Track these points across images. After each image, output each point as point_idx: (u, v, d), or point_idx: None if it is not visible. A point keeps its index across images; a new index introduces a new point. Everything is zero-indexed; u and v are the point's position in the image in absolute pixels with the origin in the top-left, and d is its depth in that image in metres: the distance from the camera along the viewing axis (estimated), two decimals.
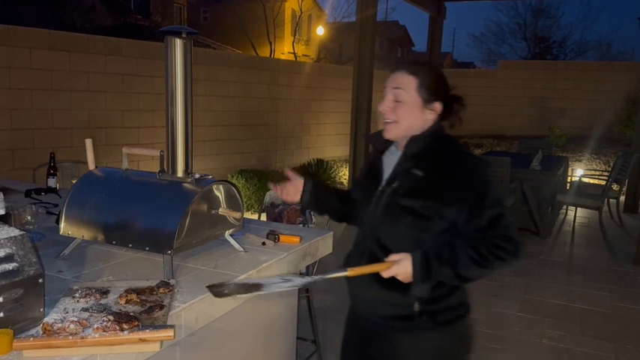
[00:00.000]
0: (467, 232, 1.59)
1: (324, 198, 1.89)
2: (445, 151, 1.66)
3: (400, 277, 1.57)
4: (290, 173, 1.86)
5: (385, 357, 1.75)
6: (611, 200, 6.88)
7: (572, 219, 6.71)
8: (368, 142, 1.93)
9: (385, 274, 1.57)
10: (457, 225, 1.60)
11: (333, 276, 1.56)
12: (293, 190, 1.85)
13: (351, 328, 1.91)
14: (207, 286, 1.51)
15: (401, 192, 1.64)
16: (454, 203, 1.58)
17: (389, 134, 1.70)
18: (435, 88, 1.65)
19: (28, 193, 2.75)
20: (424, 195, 1.61)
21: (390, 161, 1.75)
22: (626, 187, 7.40)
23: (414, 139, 1.67)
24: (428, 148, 1.66)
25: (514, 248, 1.57)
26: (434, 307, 1.66)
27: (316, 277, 1.57)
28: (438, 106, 1.65)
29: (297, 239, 2.08)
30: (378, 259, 1.63)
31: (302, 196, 1.84)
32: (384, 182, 1.72)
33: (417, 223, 1.62)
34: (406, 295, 1.63)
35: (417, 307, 1.64)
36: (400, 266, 1.55)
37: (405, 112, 1.64)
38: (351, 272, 1.57)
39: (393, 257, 1.58)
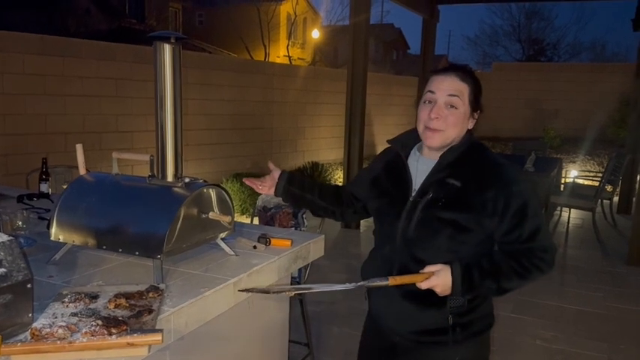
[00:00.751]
0: (507, 243, 1.58)
1: (299, 192, 1.90)
2: (481, 159, 1.62)
3: (438, 289, 1.53)
4: (271, 165, 1.90)
5: None
6: (604, 201, 6.92)
7: (566, 220, 6.73)
8: (394, 148, 1.84)
9: (424, 285, 1.53)
10: (493, 235, 1.59)
11: (375, 284, 1.54)
12: (270, 182, 1.90)
13: (373, 342, 1.85)
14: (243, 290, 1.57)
15: (439, 204, 1.58)
16: (496, 214, 1.54)
17: (434, 142, 1.61)
18: (479, 98, 1.63)
19: (20, 199, 2.75)
20: (465, 206, 1.56)
21: (417, 170, 1.67)
22: (619, 188, 7.44)
23: (450, 149, 1.61)
24: (463, 157, 1.60)
25: (552, 259, 1.58)
26: (467, 319, 1.63)
27: (358, 284, 1.55)
28: (477, 115, 1.64)
29: (289, 242, 2.09)
30: (410, 270, 1.59)
31: (276, 189, 1.89)
32: (414, 192, 1.64)
33: (456, 235, 1.57)
34: (440, 309, 1.60)
35: (450, 320, 1.61)
36: (439, 277, 1.52)
37: (456, 121, 1.58)
38: (392, 281, 1.53)
39: (431, 268, 1.54)
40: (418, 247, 1.62)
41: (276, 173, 1.90)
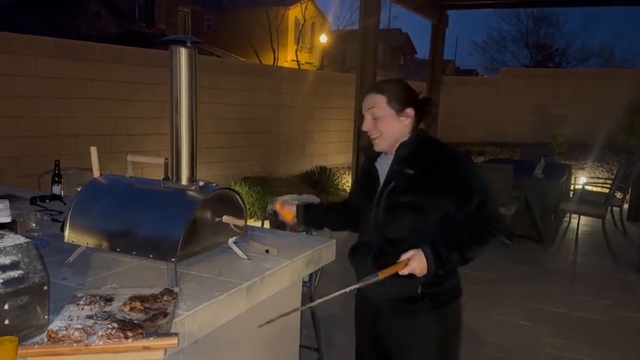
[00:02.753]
0: (459, 218, 1.84)
1: (319, 218, 2.24)
2: (431, 150, 1.94)
3: (417, 271, 1.78)
4: (278, 207, 2.25)
5: (393, 334, 2.02)
6: (614, 208, 6.88)
7: (576, 227, 6.69)
8: (362, 154, 2.36)
9: (405, 271, 1.78)
10: (450, 213, 1.85)
11: (369, 282, 1.77)
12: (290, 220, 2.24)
13: (361, 310, 2.18)
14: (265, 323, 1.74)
15: (398, 190, 1.89)
16: (446, 194, 1.83)
17: (379, 147, 1.97)
18: (402, 98, 1.91)
19: (33, 201, 2.77)
20: (419, 190, 1.86)
21: (382, 166, 2.01)
22: (629, 195, 7.39)
23: (402, 145, 1.94)
24: (415, 150, 1.92)
25: (501, 225, 1.85)
26: (434, 290, 1.91)
27: (355, 286, 1.81)
28: (410, 111, 1.92)
29: (291, 215, 2.21)
30: (385, 251, 1.91)
31: (297, 221, 2.20)
32: (381, 184, 1.96)
33: (416, 215, 1.86)
34: (411, 280, 1.83)
35: (419, 289, 1.88)
36: (415, 261, 1.77)
37: (384, 125, 1.92)
38: (381, 275, 1.76)
39: (406, 255, 1.79)
40: (387, 229, 1.93)
41: (289, 209, 2.22)
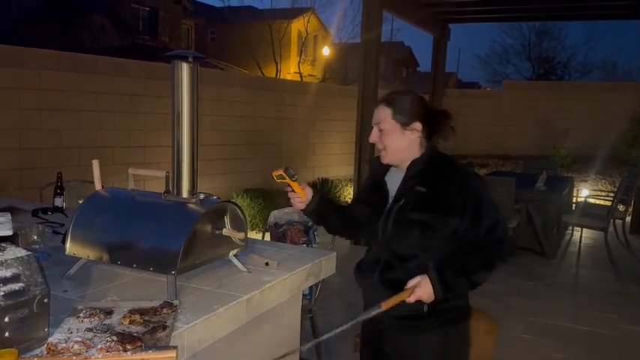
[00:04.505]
0: (469, 238, 1.81)
1: (325, 214, 2.07)
2: (443, 168, 1.89)
3: (425, 298, 1.77)
4: (305, 186, 2.02)
5: (399, 352, 1.98)
6: (616, 221, 6.85)
7: (578, 240, 6.67)
8: (371, 167, 2.25)
9: (411, 299, 1.77)
10: (459, 232, 1.81)
11: (371, 315, 1.75)
12: (302, 199, 1.99)
13: (367, 326, 2.09)
14: None
15: (408, 207, 1.86)
16: (456, 214, 1.80)
17: (385, 160, 1.94)
18: (410, 111, 1.87)
19: (34, 213, 2.78)
20: (429, 208, 1.83)
21: (393, 181, 1.97)
22: (632, 207, 7.36)
23: (414, 162, 1.90)
24: (427, 167, 1.89)
25: (509, 249, 1.84)
26: (441, 307, 1.85)
27: (359, 319, 1.79)
28: (417, 125, 1.87)
29: (304, 194, 1.97)
30: (392, 266, 1.90)
31: (306, 207, 2.00)
32: (391, 200, 1.93)
33: (426, 233, 1.83)
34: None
35: (425, 307, 1.83)
36: (422, 288, 1.76)
37: (389, 138, 1.88)
38: (384, 306, 1.74)
39: (411, 282, 1.78)
40: (396, 244, 1.90)
41: (307, 191, 1.99)
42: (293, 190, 1.97)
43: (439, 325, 1.89)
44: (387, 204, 1.93)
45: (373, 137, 1.93)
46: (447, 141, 1.92)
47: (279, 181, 1.96)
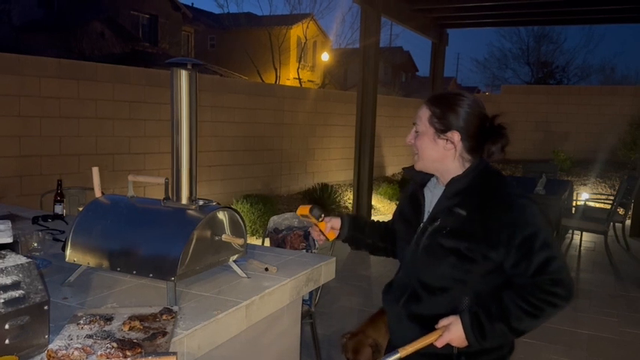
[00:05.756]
0: (514, 276, 1.55)
1: (361, 238, 1.90)
2: (490, 188, 1.60)
3: (454, 344, 1.55)
4: (330, 219, 1.84)
5: None
6: (616, 224, 6.86)
7: (578, 243, 6.67)
8: (408, 176, 1.85)
9: (439, 344, 1.55)
10: (504, 267, 1.55)
11: None
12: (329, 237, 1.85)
13: None
14: None
15: (444, 232, 1.59)
16: (500, 246, 1.52)
17: (417, 166, 1.70)
18: (449, 118, 1.60)
19: (35, 220, 2.79)
20: (468, 236, 1.55)
21: (432, 196, 1.71)
22: (631, 211, 7.37)
23: (455, 179, 1.62)
24: (471, 186, 1.60)
25: (566, 292, 1.52)
26: (474, 350, 1.59)
27: None
28: (454, 136, 1.60)
29: (333, 235, 1.85)
30: (419, 297, 1.64)
31: (339, 237, 1.86)
32: (425, 218, 1.68)
33: (460, 264, 1.56)
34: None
35: (455, 350, 1.60)
36: (451, 332, 1.54)
37: (422, 142, 1.64)
38: (402, 353, 1.53)
39: (442, 323, 1.56)
40: (424, 273, 1.64)
41: (336, 222, 1.85)
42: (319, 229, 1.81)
43: None
44: (421, 222, 1.69)
45: (409, 138, 1.69)
46: (497, 156, 1.63)
47: (302, 218, 1.80)
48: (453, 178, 1.62)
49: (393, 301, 1.73)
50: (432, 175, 1.73)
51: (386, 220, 1.99)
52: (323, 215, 1.79)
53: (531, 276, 1.52)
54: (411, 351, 1.53)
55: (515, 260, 1.52)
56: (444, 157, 1.63)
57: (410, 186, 1.85)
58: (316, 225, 1.79)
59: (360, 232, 1.89)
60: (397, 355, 1.52)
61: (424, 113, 1.64)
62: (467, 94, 1.66)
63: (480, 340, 1.53)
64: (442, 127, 1.60)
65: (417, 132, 1.66)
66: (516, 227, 1.51)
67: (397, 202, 1.86)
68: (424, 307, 1.64)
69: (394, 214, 1.93)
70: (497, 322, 1.52)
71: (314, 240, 2.96)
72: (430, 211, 1.68)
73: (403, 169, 1.81)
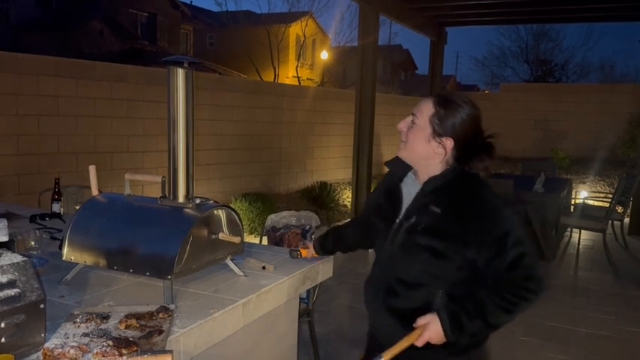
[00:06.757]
0: (487, 273, 1.59)
1: (333, 248, 2.15)
2: (464, 188, 1.64)
3: (434, 341, 1.58)
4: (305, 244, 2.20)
5: None
6: (615, 222, 6.86)
7: (577, 241, 6.67)
8: (389, 168, 1.89)
9: (419, 343, 1.58)
10: (477, 264, 1.59)
11: None
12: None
13: (369, 348, 1.92)
14: None
15: (418, 229, 1.63)
16: (474, 243, 1.56)
17: (399, 152, 1.71)
18: (451, 123, 1.61)
19: (32, 219, 2.79)
20: (442, 233, 1.59)
21: (408, 191, 1.74)
22: (630, 209, 7.38)
23: (433, 179, 1.65)
24: (447, 185, 1.63)
25: (538, 286, 1.57)
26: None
27: None
28: (447, 142, 1.62)
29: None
30: (396, 292, 1.69)
31: (316, 252, 2.16)
32: (401, 215, 1.71)
33: (434, 261, 1.60)
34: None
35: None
36: (430, 330, 1.58)
37: (415, 135, 1.65)
38: (386, 357, 1.55)
39: (420, 322, 1.60)
40: (400, 269, 1.69)
41: (312, 249, 2.17)
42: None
43: (450, 355, 1.68)
44: (397, 217, 1.72)
45: (403, 124, 1.69)
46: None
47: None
48: (430, 177, 1.66)
49: (372, 297, 1.79)
50: (411, 169, 1.76)
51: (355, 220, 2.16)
52: (298, 251, 2.18)
53: (504, 272, 1.56)
54: (394, 354, 1.55)
55: (488, 258, 1.56)
56: (431, 158, 1.65)
57: (387, 179, 1.88)
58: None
59: (330, 248, 2.14)
60: (381, 359, 1.55)
61: (428, 109, 1.64)
62: (474, 103, 1.67)
63: (458, 337, 1.58)
64: (440, 131, 1.62)
65: (413, 123, 1.66)
66: (489, 226, 1.56)
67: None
68: (402, 301, 1.68)
69: (367, 206, 2.02)
70: (474, 318, 1.57)
71: (311, 239, 2.97)
72: (406, 207, 1.71)
73: (385, 163, 1.87)
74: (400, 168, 1.77)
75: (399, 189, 1.76)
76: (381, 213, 1.80)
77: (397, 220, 1.71)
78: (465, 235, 1.56)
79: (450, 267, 1.60)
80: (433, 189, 1.64)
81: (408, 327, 1.62)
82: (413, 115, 1.67)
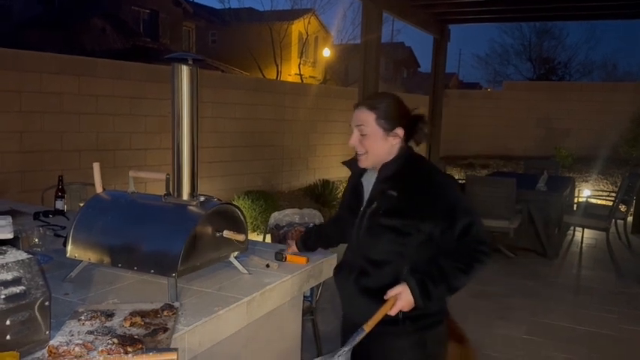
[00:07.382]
0: (444, 242, 1.78)
1: (314, 245, 2.27)
2: (415, 171, 1.86)
3: (406, 309, 1.75)
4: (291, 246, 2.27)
5: (375, 356, 1.91)
6: (618, 221, 6.85)
7: (580, 240, 6.66)
8: (347, 167, 2.14)
9: (392, 312, 1.73)
10: (434, 236, 1.78)
11: (358, 339, 1.70)
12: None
13: (345, 332, 2.01)
14: None
15: (380, 212, 1.83)
16: (429, 218, 1.77)
17: (363, 164, 1.90)
18: (393, 117, 1.84)
19: (36, 216, 2.79)
20: (401, 213, 1.80)
21: (368, 183, 1.94)
22: (633, 207, 7.36)
23: (386, 164, 1.86)
24: (400, 170, 1.85)
25: (487, 249, 1.78)
26: (415, 314, 1.80)
27: (346, 348, 1.70)
28: (399, 131, 1.84)
29: (304, 260, 2.12)
30: (367, 272, 1.87)
31: (299, 250, 2.25)
32: (364, 203, 1.91)
33: (398, 238, 1.80)
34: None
35: (400, 314, 1.78)
36: (402, 300, 1.73)
37: (371, 143, 1.84)
38: (367, 327, 1.70)
39: (391, 292, 1.75)
40: (368, 250, 1.87)
41: (293, 245, 2.27)
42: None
43: (414, 331, 1.84)
44: (362, 207, 1.91)
45: (354, 140, 1.87)
46: (419, 144, 1.93)
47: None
48: (383, 164, 1.87)
49: (344, 281, 1.95)
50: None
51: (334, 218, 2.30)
52: (283, 254, 2.18)
53: (457, 239, 1.76)
54: (373, 324, 1.71)
55: (443, 228, 1.76)
56: (390, 151, 1.86)
57: (351, 179, 2.10)
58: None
59: (311, 245, 2.25)
60: (364, 332, 1.69)
61: (368, 116, 1.84)
62: (391, 93, 1.93)
63: (426, 302, 1.74)
64: (388, 126, 1.83)
65: (363, 134, 1.84)
66: (439, 201, 1.78)
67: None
68: (372, 280, 1.85)
69: (341, 205, 2.24)
70: (439, 283, 1.74)
71: None
72: (368, 196, 1.91)
73: (342, 163, 2.08)
74: (358, 165, 1.95)
75: (361, 183, 1.98)
76: (350, 208, 2.00)
77: (361, 209, 1.90)
78: (420, 211, 1.77)
79: (412, 242, 1.79)
80: (387, 176, 1.85)
81: (380, 302, 1.76)
82: (357, 127, 1.86)
